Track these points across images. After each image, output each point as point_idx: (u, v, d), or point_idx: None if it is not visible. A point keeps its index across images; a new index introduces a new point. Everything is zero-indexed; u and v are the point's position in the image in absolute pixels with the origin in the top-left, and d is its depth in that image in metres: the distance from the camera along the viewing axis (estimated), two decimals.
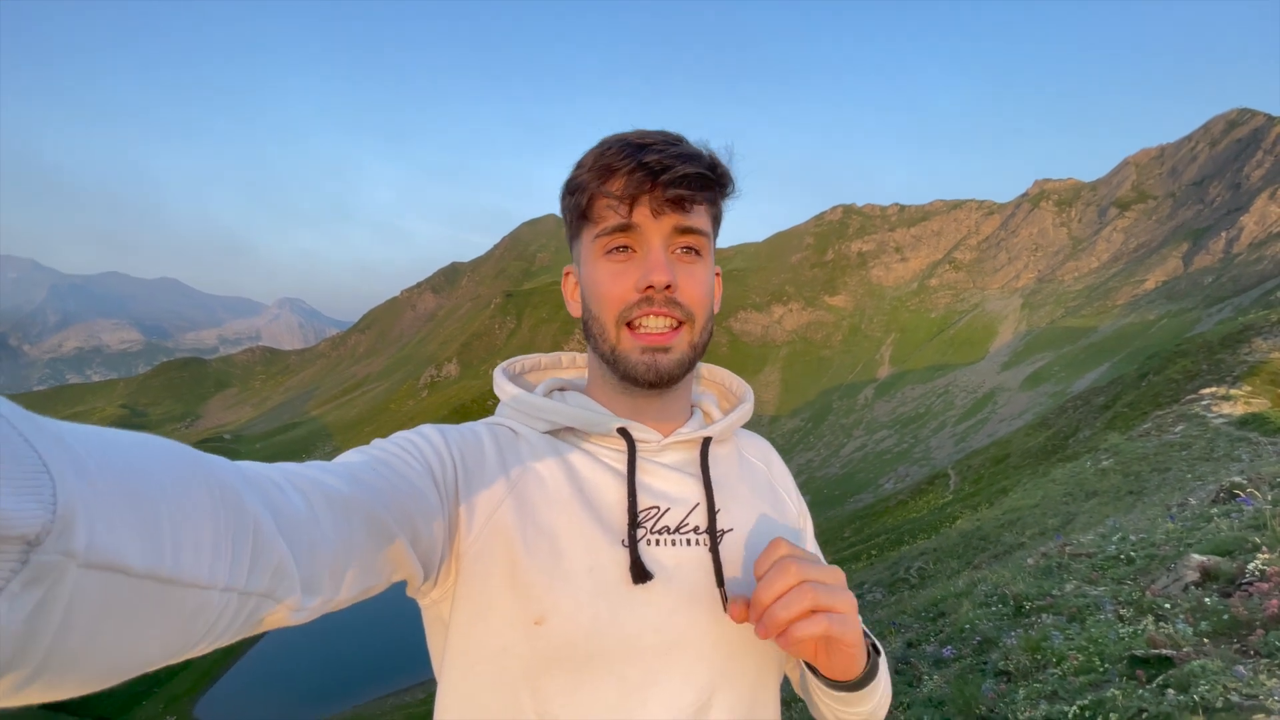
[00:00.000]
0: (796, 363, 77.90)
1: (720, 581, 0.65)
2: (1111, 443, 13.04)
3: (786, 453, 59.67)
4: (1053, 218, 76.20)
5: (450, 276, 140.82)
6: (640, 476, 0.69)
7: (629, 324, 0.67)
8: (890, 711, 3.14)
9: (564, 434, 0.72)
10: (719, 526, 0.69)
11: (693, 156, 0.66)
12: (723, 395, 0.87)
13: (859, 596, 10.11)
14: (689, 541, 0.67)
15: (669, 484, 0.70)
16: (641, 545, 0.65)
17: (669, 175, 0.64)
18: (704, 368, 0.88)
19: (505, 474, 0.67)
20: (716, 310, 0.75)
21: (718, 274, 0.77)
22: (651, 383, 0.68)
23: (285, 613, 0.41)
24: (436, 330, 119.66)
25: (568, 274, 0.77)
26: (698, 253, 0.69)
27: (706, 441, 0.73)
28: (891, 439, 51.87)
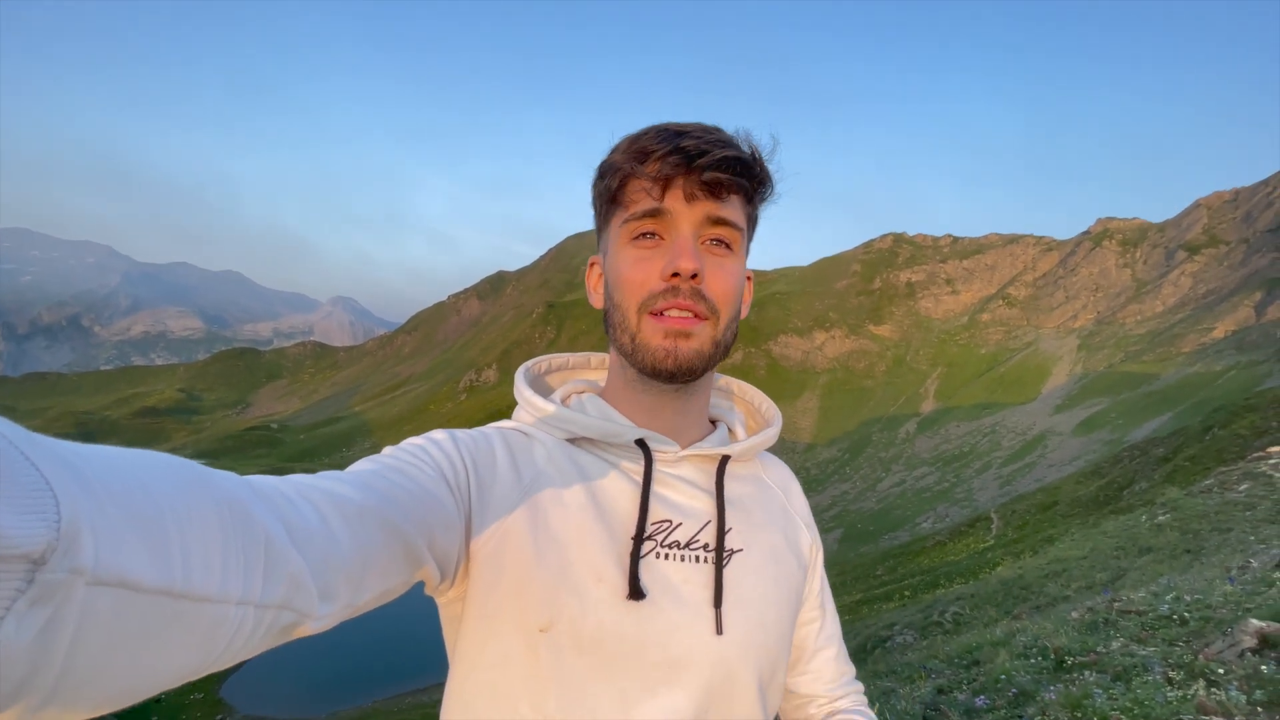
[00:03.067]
0: (836, 391, 76.50)
1: (718, 603, 0.65)
2: (1170, 497, 12.37)
3: (821, 482, 58.47)
4: (1116, 258, 73.30)
5: (496, 285, 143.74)
6: (655, 488, 0.68)
7: (652, 312, 0.65)
8: None
9: (581, 441, 0.71)
10: (729, 546, 0.69)
11: (731, 143, 0.64)
12: (750, 415, 0.85)
13: (889, 637, 9.79)
14: (697, 558, 0.67)
15: (683, 497, 0.69)
16: (650, 558, 0.65)
17: (706, 159, 0.62)
18: (735, 384, 0.87)
19: (518, 479, 0.66)
20: (745, 314, 0.73)
21: (749, 277, 0.74)
22: (671, 372, 0.66)
23: (305, 622, 0.42)
24: (479, 336, 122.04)
25: (593, 264, 0.75)
26: (729, 246, 0.67)
27: (724, 460, 0.72)
28: (932, 476, 50.28)
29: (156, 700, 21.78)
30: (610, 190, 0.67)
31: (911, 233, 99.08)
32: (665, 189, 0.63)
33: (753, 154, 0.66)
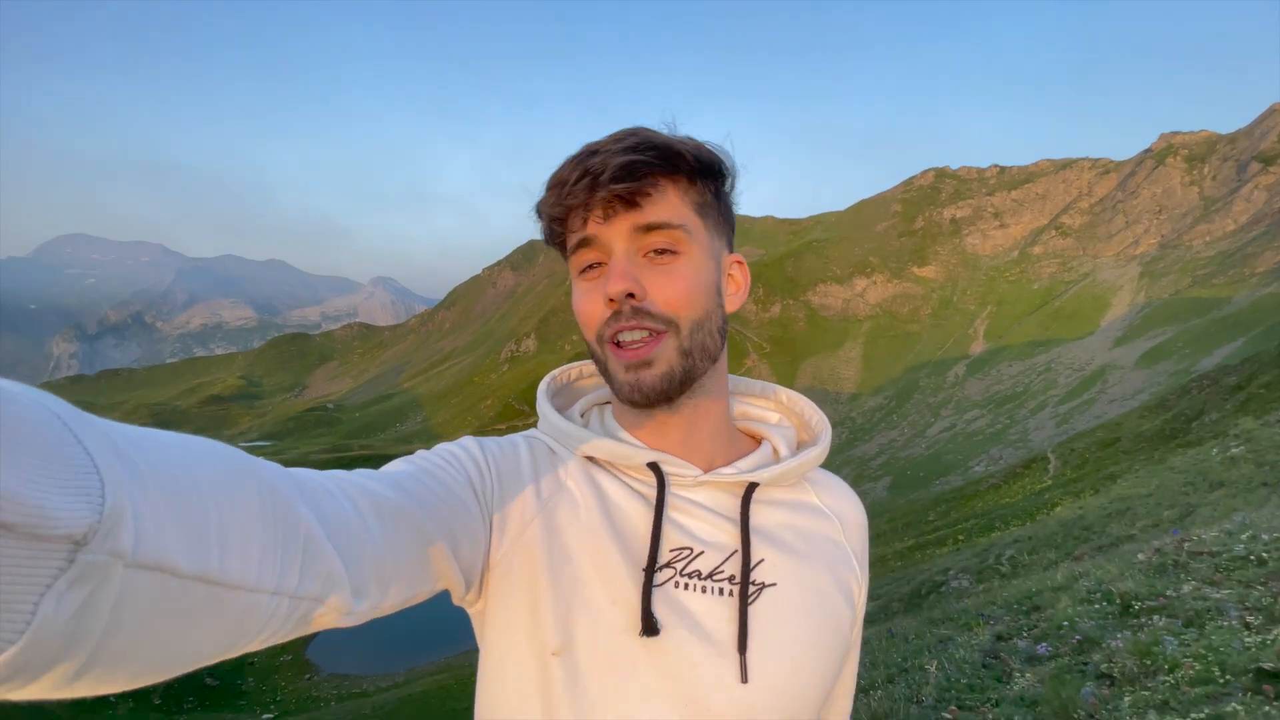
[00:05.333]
0: (880, 338, 74.78)
1: (743, 646, 0.59)
2: (1244, 428, 11.75)
3: (867, 431, 57.84)
4: (1181, 175, 68.42)
5: (528, 254, 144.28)
6: (672, 513, 0.64)
7: (611, 341, 0.62)
8: (976, 707, 3.03)
9: (599, 459, 0.68)
10: (760, 579, 0.63)
11: (637, 147, 0.59)
12: (801, 429, 0.77)
13: (943, 582, 9.74)
14: (721, 591, 0.62)
15: (704, 525, 0.64)
16: (668, 587, 0.61)
17: (608, 173, 0.58)
18: (785, 394, 0.79)
19: (538, 492, 0.64)
20: (736, 305, 0.69)
21: (739, 262, 0.70)
22: (638, 404, 0.62)
23: (335, 616, 0.42)
24: (516, 306, 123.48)
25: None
26: (673, 249, 0.62)
27: (751, 486, 0.66)
28: (984, 419, 49.10)
29: (250, 661, 23.61)
30: (546, 234, 0.66)
31: (954, 166, 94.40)
32: (587, 214, 0.61)
33: (666, 145, 0.61)
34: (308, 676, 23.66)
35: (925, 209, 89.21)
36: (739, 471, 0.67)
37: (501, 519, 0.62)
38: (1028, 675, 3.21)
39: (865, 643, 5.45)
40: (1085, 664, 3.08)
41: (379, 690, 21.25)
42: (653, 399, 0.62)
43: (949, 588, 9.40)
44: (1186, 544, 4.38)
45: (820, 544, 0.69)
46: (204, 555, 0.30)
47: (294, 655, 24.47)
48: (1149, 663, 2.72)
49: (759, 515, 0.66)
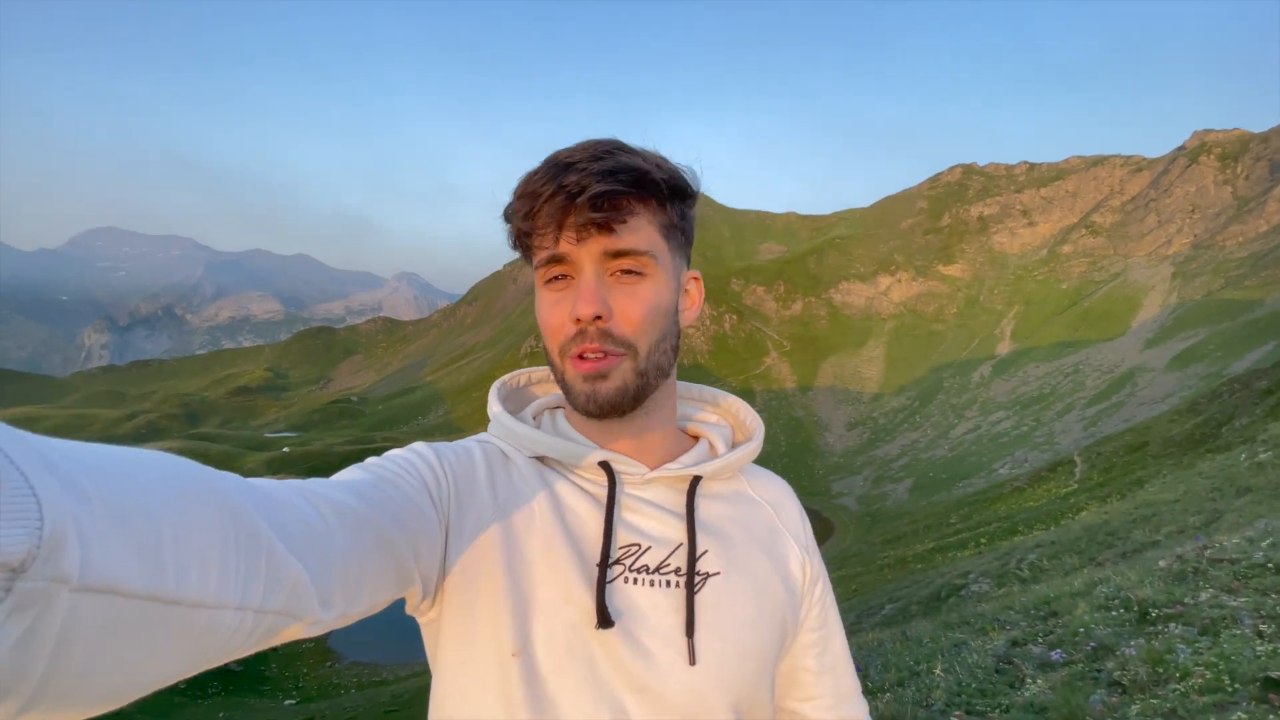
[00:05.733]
0: (904, 337, 73.88)
1: (690, 630, 0.63)
2: (1274, 433, 11.49)
3: (889, 432, 57.20)
4: (1214, 174, 66.47)
5: None
6: (622, 513, 0.67)
7: (571, 355, 0.64)
8: (985, 713, 3.06)
9: (550, 460, 0.70)
10: (704, 569, 0.67)
11: (614, 171, 0.60)
12: (737, 428, 0.82)
13: (963, 586, 9.66)
14: (668, 583, 0.65)
15: (651, 521, 0.67)
16: (618, 583, 0.64)
17: (585, 197, 0.59)
18: (722, 399, 0.83)
19: (494, 497, 0.66)
20: (690, 319, 0.72)
21: (695, 278, 0.73)
22: (593, 414, 0.65)
23: (302, 626, 0.41)
24: None
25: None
26: (639, 272, 0.64)
27: (695, 480, 0.70)
28: (1009, 421, 48.33)
29: (274, 649, 24.23)
30: (512, 240, 0.67)
31: (982, 163, 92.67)
32: (559, 231, 0.62)
33: (642, 172, 0.62)
34: (329, 664, 24.19)
35: (952, 206, 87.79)
36: (682, 466, 0.70)
37: (458, 525, 0.63)
38: (1039, 681, 3.22)
39: (879, 645, 5.47)
40: (1098, 671, 3.08)
41: (397, 679, 21.67)
42: (606, 410, 0.64)
43: (968, 591, 9.33)
44: (1208, 551, 4.34)
45: (757, 532, 0.72)
46: (158, 574, 0.29)
47: (316, 643, 25.03)
48: (1160, 671, 2.73)
49: (702, 509, 0.70)
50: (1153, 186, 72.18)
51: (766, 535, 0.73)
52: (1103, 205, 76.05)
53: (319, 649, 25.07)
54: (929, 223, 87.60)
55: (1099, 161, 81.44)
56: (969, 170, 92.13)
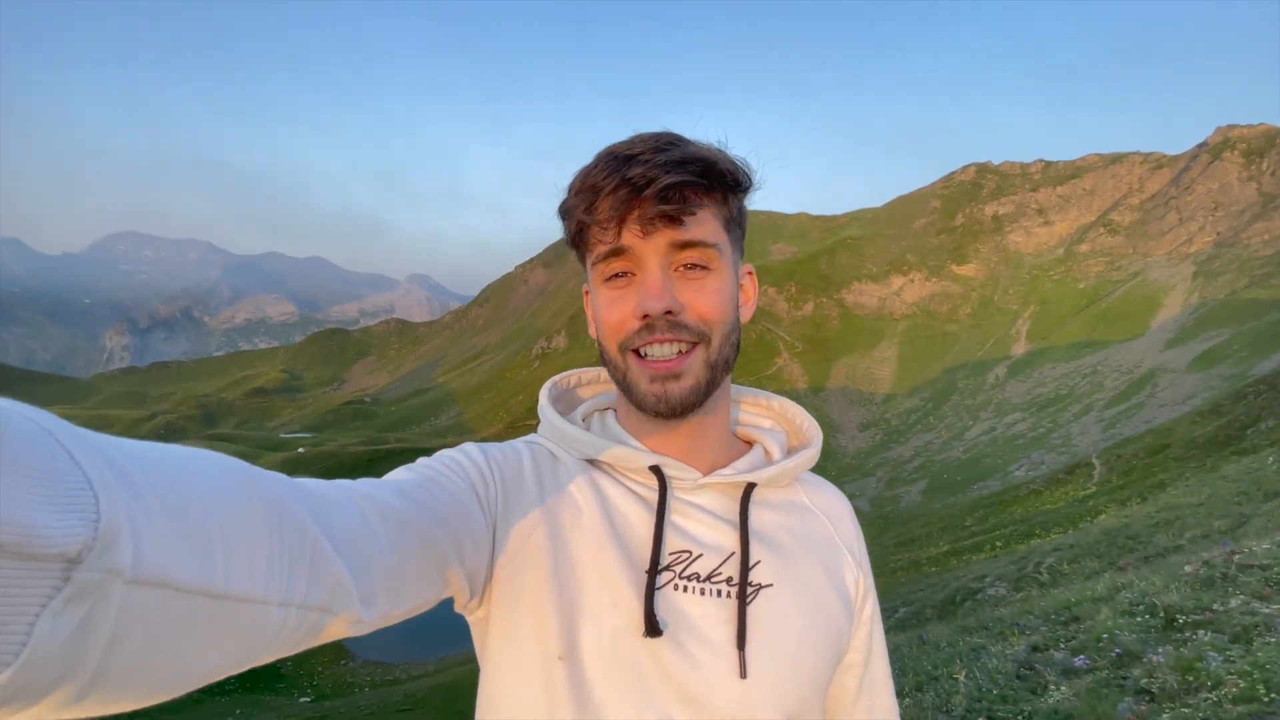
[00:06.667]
0: (917, 338, 73.21)
1: (741, 643, 0.61)
2: None
3: (902, 433, 56.69)
4: (1239, 170, 65.21)
5: (559, 251, 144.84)
6: (672, 517, 0.65)
7: (636, 351, 0.63)
8: (1008, 719, 2.98)
9: (600, 463, 0.69)
10: (757, 580, 0.65)
11: (681, 162, 0.60)
12: (793, 434, 0.79)
13: (979, 589, 9.52)
14: (719, 593, 0.63)
15: (703, 528, 0.66)
16: (668, 590, 0.62)
17: (653, 189, 0.58)
18: (775, 401, 0.80)
19: (541, 498, 0.65)
20: (748, 316, 0.71)
21: (750, 273, 0.72)
22: (663, 414, 0.63)
23: (344, 626, 0.42)
24: (547, 304, 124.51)
25: (586, 293, 0.72)
26: (705, 265, 0.63)
27: (750, 488, 0.68)
28: (1025, 423, 47.69)
29: None
30: (570, 234, 0.66)
31: (996, 161, 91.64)
32: (621, 225, 0.61)
33: (710, 163, 0.61)
34: (343, 662, 24.35)
35: (965, 205, 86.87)
36: (736, 472, 0.68)
37: (505, 525, 0.62)
38: (1063, 688, 3.14)
39: (895, 649, 5.38)
40: (1124, 678, 2.99)
41: (411, 678, 21.77)
42: (679, 410, 0.63)
43: (985, 595, 9.19)
44: (1237, 556, 4.22)
45: (813, 543, 0.70)
46: (208, 569, 0.30)
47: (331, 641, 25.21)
48: (1191, 679, 2.64)
49: (755, 518, 0.68)
50: (1174, 184, 70.94)
51: (823, 548, 0.71)
52: (1121, 203, 74.90)
53: (334, 647, 25.26)
54: (942, 222, 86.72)
55: (1118, 159, 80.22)
56: (983, 169, 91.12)
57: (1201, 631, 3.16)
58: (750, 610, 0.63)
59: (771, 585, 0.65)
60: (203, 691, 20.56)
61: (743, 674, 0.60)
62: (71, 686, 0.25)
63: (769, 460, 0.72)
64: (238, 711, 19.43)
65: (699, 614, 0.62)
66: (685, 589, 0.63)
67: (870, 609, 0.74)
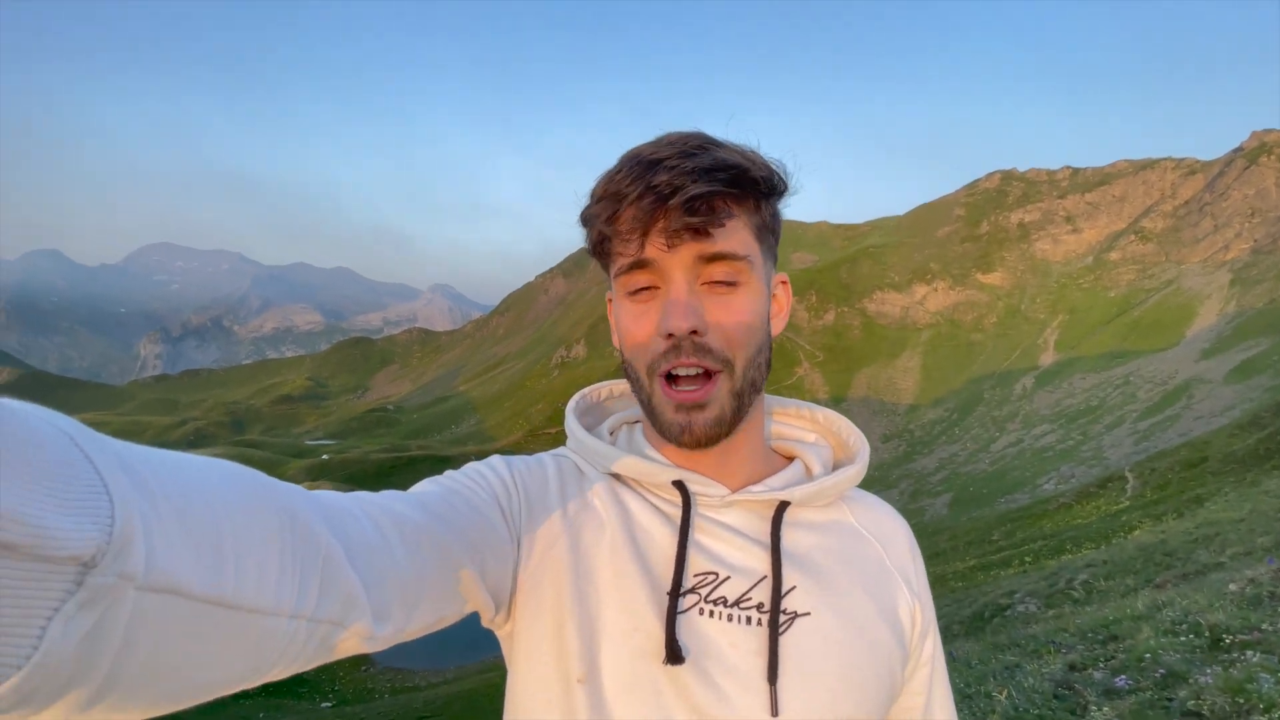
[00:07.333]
0: (941, 347, 72.11)
1: (773, 677, 0.56)
2: None
3: (927, 445, 55.78)
4: (1276, 175, 63.37)
5: (579, 261, 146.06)
6: (697, 536, 0.61)
7: (662, 374, 0.59)
8: None
9: (626, 477, 0.65)
10: (792, 608, 0.59)
11: (711, 169, 0.55)
12: (838, 448, 0.72)
13: (1009, 606, 9.27)
14: (748, 619, 0.58)
15: (730, 549, 0.61)
16: (692, 614, 0.58)
17: (679, 198, 0.54)
18: (820, 414, 0.74)
19: (564, 511, 0.62)
20: (780, 329, 0.66)
21: (784, 282, 0.67)
22: (687, 445, 0.60)
23: (356, 640, 0.41)
24: (567, 313, 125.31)
25: (610, 300, 0.68)
26: (733, 280, 0.58)
27: (783, 506, 0.62)
28: (1054, 435, 46.60)
29: None
30: (592, 244, 0.62)
31: (1022, 168, 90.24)
32: (645, 237, 0.56)
33: (741, 170, 0.56)
34: (364, 668, 24.52)
35: (991, 213, 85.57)
36: (769, 489, 0.63)
37: (529, 539, 0.60)
38: (1105, 709, 3.02)
39: None
40: (1170, 699, 2.88)
41: (430, 685, 21.86)
42: (703, 443, 0.59)
43: (1014, 612, 8.95)
44: None
45: (860, 568, 0.64)
46: (218, 578, 0.30)
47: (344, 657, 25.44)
48: (1241, 701, 2.53)
49: (791, 538, 0.62)
50: (1208, 190, 69.14)
51: (872, 574, 0.64)
52: (1153, 210, 73.18)
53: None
54: (966, 230, 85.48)
55: (1149, 165, 78.49)
56: (1008, 176, 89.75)
57: (1250, 652, 3.03)
58: (784, 640, 0.58)
59: (809, 614, 0.59)
60: (227, 696, 20.85)
61: (774, 711, 0.55)
62: (81, 692, 0.25)
63: (808, 476, 0.67)
64: (261, 715, 19.65)
65: (727, 642, 0.57)
66: (711, 614, 0.58)
67: (931, 647, 0.66)
